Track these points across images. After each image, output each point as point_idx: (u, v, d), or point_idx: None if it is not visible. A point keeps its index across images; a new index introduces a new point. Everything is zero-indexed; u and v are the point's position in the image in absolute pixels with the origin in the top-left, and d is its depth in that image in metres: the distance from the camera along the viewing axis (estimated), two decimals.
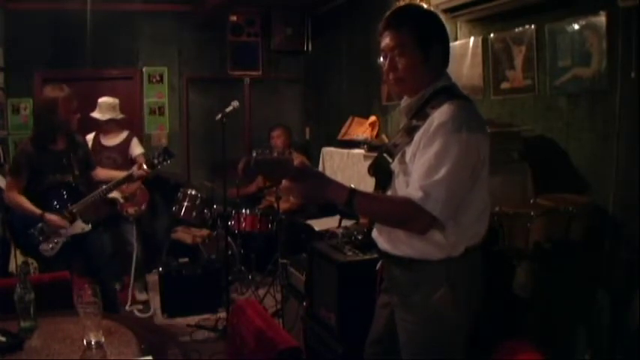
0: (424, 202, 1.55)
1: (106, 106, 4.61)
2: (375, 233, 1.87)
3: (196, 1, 5.29)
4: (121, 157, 4.62)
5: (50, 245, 3.19)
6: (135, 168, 3.33)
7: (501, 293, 2.47)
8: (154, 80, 5.70)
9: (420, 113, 1.69)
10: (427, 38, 1.68)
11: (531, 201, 2.59)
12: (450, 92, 1.69)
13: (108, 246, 4.30)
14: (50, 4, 5.11)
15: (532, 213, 2.37)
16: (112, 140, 4.69)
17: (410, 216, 1.59)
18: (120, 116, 4.64)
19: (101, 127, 4.64)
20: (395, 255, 1.77)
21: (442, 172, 1.55)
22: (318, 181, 1.60)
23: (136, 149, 4.75)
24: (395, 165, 1.75)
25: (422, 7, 1.85)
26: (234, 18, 5.79)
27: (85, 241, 3.31)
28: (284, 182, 1.60)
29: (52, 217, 3.14)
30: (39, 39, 5.19)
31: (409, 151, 1.67)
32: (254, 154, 1.56)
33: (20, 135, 5.26)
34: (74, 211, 3.21)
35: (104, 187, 3.30)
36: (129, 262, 4.43)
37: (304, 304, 3.06)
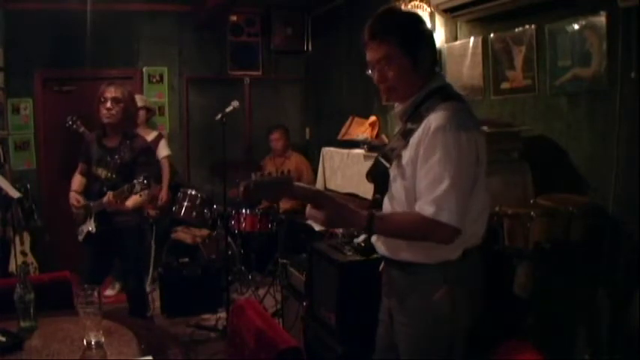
0: (439, 216, 1.54)
1: (137, 98, 4.79)
2: (374, 238, 1.86)
3: (196, 1, 5.29)
4: None
5: (79, 230, 3.34)
6: (105, 197, 3.14)
7: (501, 293, 2.47)
8: (154, 80, 5.70)
9: (414, 116, 1.68)
10: (413, 44, 1.66)
11: (531, 201, 2.59)
12: (443, 93, 1.68)
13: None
14: (50, 4, 5.11)
15: (532, 213, 2.37)
16: None
17: (429, 232, 1.58)
18: (143, 104, 4.82)
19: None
20: (393, 259, 1.77)
21: (447, 179, 1.54)
22: (337, 210, 1.63)
23: (163, 151, 4.82)
24: (392, 169, 1.75)
25: (402, 12, 1.81)
26: (234, 18, 5.79)
27: (121, 239, 3.31)
28: (309, 210, 1.66)
29: (71, 196, 3.31)
30: (39, 39, 5.18)
31: (406, 154, 1.67)
32: (252, 178, 1.58)
33: (20, 135, 5.27)
34: (90, 208, 3.26)
35: (96, 202, 3.22)
36: (146, 262, 4.46)
37: (304, 304, 3.06)
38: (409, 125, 1.68)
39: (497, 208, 2.50)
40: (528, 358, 2.13)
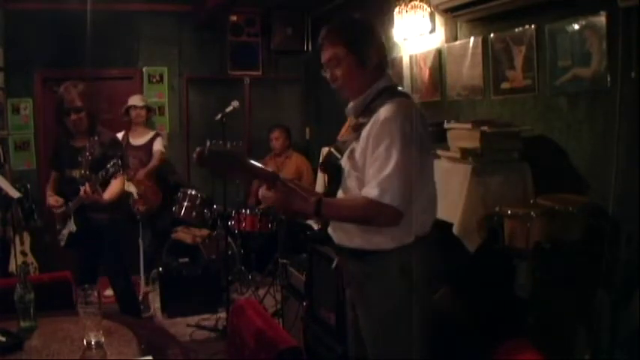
0: (382, 198, 1.67)
1: (137, 98, 4.95)
2: (330, 228, 1.94)
3: (196, 1, 5.29)
4: (146, 156, 4.71)
5: (60, 235, 3.33)
6: (82, 190, 3.12)
7: (501, 293, 2.47)
8: (154, 80, 5.70)
9: (365, 111, 1.83)
10: (357, 45, 1.84)
11: (531, 201, 2.59)
12: (391, 91, 1.83)
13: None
14: (50, 3, 5.11)
15: (532, 213, 2.37)
16: (139, 140, 4.85)
17: (374, 214, 1.70)
18: (144, 103, 4.96)
19: (130, 125, 4.87)
20: (349, 247, 1.85)
21: (391, 164, 1.67)
22: (285, 193, 1.74)
23: (157, 146, 4.88)
24: (344, 161, 1.86)
25: (349, 18, 2.00)
26: (234, 18, 5.78)
27: (101, 238, 3.30)
28: (262, 190, 1.78)
29: (48, 199, 3.32)
30: (39, 39, 5.18)
31: (358, 147, 1.79)
32: (207, 145, 1.65)
33: (20, 135, 5.27)
34: (69, 208, 3.25)
35: (73, 201, 3.22)
36: (136, 259, 4.45)
37: (304, 304, 3.07)
38: (360, 120, 1.84)
39: (497, 208, 2.50)
40: (528, 358, 2.14)
